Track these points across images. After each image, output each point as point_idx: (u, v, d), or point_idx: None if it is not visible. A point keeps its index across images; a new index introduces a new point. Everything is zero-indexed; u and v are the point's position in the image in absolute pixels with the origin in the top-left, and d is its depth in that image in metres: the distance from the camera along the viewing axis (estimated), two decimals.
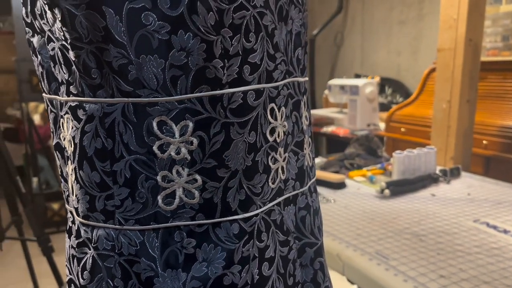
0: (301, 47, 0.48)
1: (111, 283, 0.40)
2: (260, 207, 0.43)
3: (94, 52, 0.36)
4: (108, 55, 0.36)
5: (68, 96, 0.39)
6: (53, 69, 0.41)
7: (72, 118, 0.39)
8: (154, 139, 0.37)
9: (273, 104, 0.43)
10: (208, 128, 0.38)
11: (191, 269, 0.39)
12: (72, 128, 0.39)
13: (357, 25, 3.34)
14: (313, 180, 0.52)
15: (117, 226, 0.39)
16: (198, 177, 0.39)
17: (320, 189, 1.38)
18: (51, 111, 0.43)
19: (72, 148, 0.40)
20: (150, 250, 0.39)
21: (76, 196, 0.41)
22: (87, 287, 0.40)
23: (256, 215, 0.42)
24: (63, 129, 0.41)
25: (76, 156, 0.39)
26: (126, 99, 0.37)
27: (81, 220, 0.41)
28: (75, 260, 0.42)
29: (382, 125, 2.36)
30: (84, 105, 0.38)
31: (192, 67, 0.36)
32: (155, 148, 0.38)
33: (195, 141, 0.38)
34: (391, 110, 2.23)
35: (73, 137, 0.39)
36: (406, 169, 1.43)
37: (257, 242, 0.42)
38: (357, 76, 3.20)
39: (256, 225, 0.42)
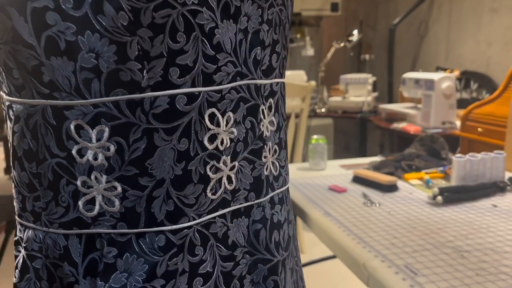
0: (260, 47, 0.44)
1: (38, 285, 0.40)
2: (194, 219, 0.40)
3: (11, 52, 0.36)
4: (21, 56, 0.35)
5: (5, 95, 0.40)
6: None
7: (7, 118, 0.40)
8: (73, 143, 0.37)
9: (213, 109, 0.40)
10: (126, 134, 0.36)
11: (109, 279, 0.37)
12: (8, 127, 0.40)
13: (443, 14, 3.09)
14: (279, 190, 0.48)
15: (44, 228, 0.39)
16: (117, 184, 0.37)
17: (367, 191, 1.30)
18: (3, 109, 0.44)
19: (9, 147, 0.40)
20: (73, 255, 0.38)
21: (13, 194, 0.41)
22: (17, 285, 0.41)
23: (189, 227, 0.40)
24: (6, 127, 0.42)
25: (11, 155, 0.40)
26: (44, 101, 0.36)
27: (17, 218, 0.41)
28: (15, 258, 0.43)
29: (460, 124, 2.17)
30: (13, 105, 0.38)
31: (103, 69, 0.34)
32: (74, 152, 0.37)
33: (112, 147, 0.36)
34: (469, 108, 2.03)
35: (9, 136, 0.40)
36: (467, 175, 1.30)
37: (188, 256, 0.40)
38: (439, 69, 2.97)
39: (187, 238, 0.40)
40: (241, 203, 0.44)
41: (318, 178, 1.46)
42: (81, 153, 0.37)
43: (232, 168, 0.43)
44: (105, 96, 0.35)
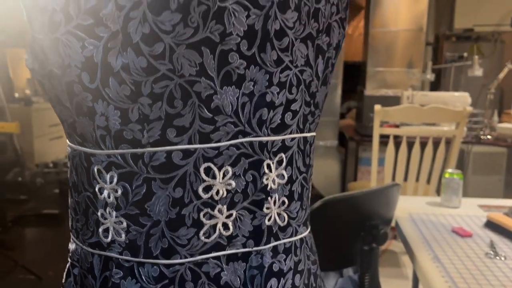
0: (267, 108, 0.46)
1: None
2: (186, 257, 0.45)
3: (60, 110, 0.47)
4: (64, 114, 0.46)
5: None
6: None
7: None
8: (96, 182, 0.46)
9: (209, 164, 0.44)
10: (130, 180, 0.44)
11: None
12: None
13: None
14: (286, 240, 0.50)
15: (80, 244, 0.49)
16: (123, 220, 0.45)
17: (499, 240, 1.16)
18: None
19: None
20: (95, 271, 0.47)
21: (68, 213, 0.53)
22: (64, 285, 0.52)
23: (181, 264, 0.45)
24: None
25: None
26: (80, 147, 0.46)
27: (70, 232, 0.52)
28: None
29: None
30: (67, 147, 0.49)
31: (111, 129, 0.43)
32: (96, 189, 0.46)
33: (120, 190, 0.44)
34: None
35: None
36: None
37: None
38: None
39: (178, 273, 0.45)
40: (238, 248, 0.47)
41: (445, 216, 1.35)
42: (100, 191, 0.46)
43: (229, 216, 0.46)
44: (115, 149, 0.44)
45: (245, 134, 0.46)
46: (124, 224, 0.45)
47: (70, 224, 0.52)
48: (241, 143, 0.46)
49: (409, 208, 1.41)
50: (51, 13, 0.41)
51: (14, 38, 3.62)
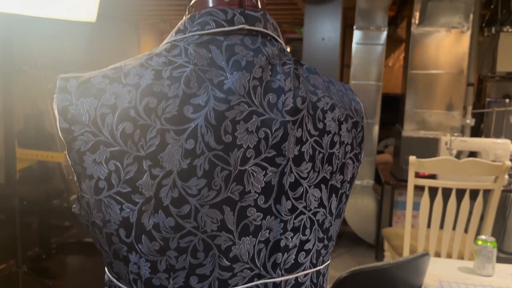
0: (282, 252, 0.51)
1: None
2: None
3: (100, 252, 0.52)
4: (104, 255, 0.52)
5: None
6: None
7: None
8: None
9: None
10: None
11: None
12: None
13: None
14: None
15: None
16: None
17: None
18: None
19: None
20: None
21: None
22: None
23: None
24: None
25: None
26: (115, 281, 0.52)
27: None
28: None
29: None
30: (105, 275, 0.55)
31: (142, 276, 0.48)
32: None
33: None
34: None
35: None
36: None
37: None
38: None
39: None
40: None
41: (476, 286, 1.32)
42: None
43: None
44: None
45: (260, 276, 0.50)
46: None
47: None
48: (256, 285, 0.50)
49: (440, 275, 1.39)
50: (96, 180, 0.47)
51: (67, 70, 3.84)
